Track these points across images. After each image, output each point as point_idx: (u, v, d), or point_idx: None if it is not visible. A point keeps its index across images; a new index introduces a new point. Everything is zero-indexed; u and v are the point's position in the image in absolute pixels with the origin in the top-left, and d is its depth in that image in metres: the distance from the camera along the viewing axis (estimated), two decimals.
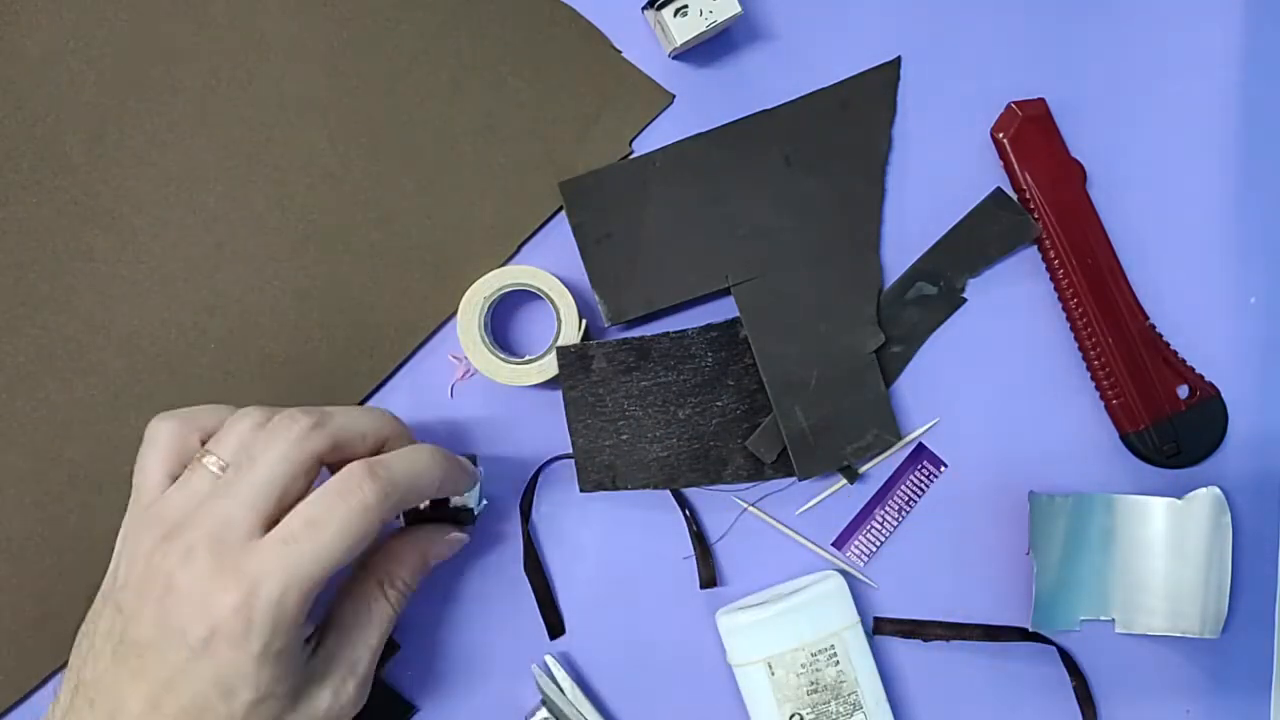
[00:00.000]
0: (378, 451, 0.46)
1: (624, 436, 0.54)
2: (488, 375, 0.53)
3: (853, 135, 0.56)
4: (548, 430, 0.55)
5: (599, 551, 0.55)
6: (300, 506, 0.41)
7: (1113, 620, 0.55)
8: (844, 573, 0.54)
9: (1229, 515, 0.54)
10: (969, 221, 0.56)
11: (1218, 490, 0.54)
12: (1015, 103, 0.56)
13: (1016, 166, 0.55)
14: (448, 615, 0.55)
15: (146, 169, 0.54)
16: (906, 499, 0.56)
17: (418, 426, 0.55)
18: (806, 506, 0.56)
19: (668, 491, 0.55)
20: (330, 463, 0.44)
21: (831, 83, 0.56)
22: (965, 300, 0.56)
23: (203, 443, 0.44)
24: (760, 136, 0.55)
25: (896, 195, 0.56)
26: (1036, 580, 0.53)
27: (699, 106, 0.56)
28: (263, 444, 0.42)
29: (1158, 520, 0.55)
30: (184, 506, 0.42)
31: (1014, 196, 0.56)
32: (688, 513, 0.55)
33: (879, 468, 0.56)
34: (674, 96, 0.56)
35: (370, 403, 0.55)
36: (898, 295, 0.56)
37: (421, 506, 0.51)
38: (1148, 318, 0.56)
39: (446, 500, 0.51)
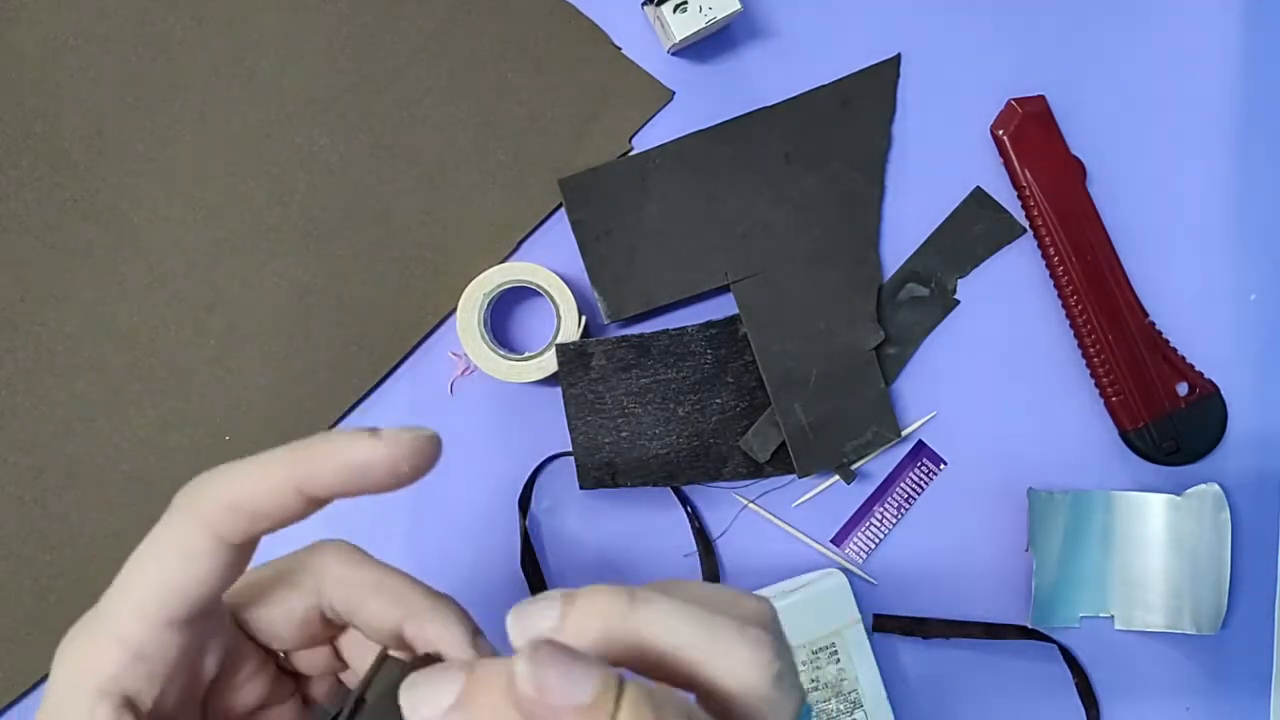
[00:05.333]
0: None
1: (623, 434, 0.54)
2: (487, 372, 0.53)
3: (852, 132, 0.56)
4: (547, 427, 0.55)
5: (599, 548, 0.55)
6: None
7: (1112, 617, 0.55)
8: (843, 569, 0.54)
9: (1228, 512, 0.54)
10: (953, 222, 0.56)
11: (1217, 487, 0.54)
12: (1015, 100, 0.56)
13: (1016, 163, 0.55)
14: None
15: (146, 166, 0.54)
16: (906, 496, 0.56)
17: (418, 423, 0.55)
18: (803, 499, 0.56)
19: (668, 489, 0.55)
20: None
21: (831, 80, 0.56)
22: (959, 302, 0.56)
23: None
24: (760, 133, 0.55)
25: (896, 192, 0.56)
26: (1036, 577, 0.54)
27: (699, 103, 0.56)
28: None
29: (1157, 517, 0.55)
30: None
31: (1011, 195, 0.56)
32: (690, 509, 0.55)
33: (878, 465, 0.56)
34: (673, 93, 0.56)
35: (370, 400, 0.55)
36: (889, 297, 0.56)
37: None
38: (1147, 315, 0.56)
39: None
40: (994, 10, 0.57)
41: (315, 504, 0.28)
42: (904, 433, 0.56)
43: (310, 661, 0.33)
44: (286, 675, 0.33)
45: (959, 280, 0.56)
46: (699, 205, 0.55)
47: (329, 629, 0.32)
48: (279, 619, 0.31)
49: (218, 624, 0.30)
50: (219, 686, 0.31)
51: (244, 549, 0.28)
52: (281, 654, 0.33)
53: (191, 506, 0.28)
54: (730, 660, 0.24)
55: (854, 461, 0.55)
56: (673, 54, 0.56)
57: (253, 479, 0.27)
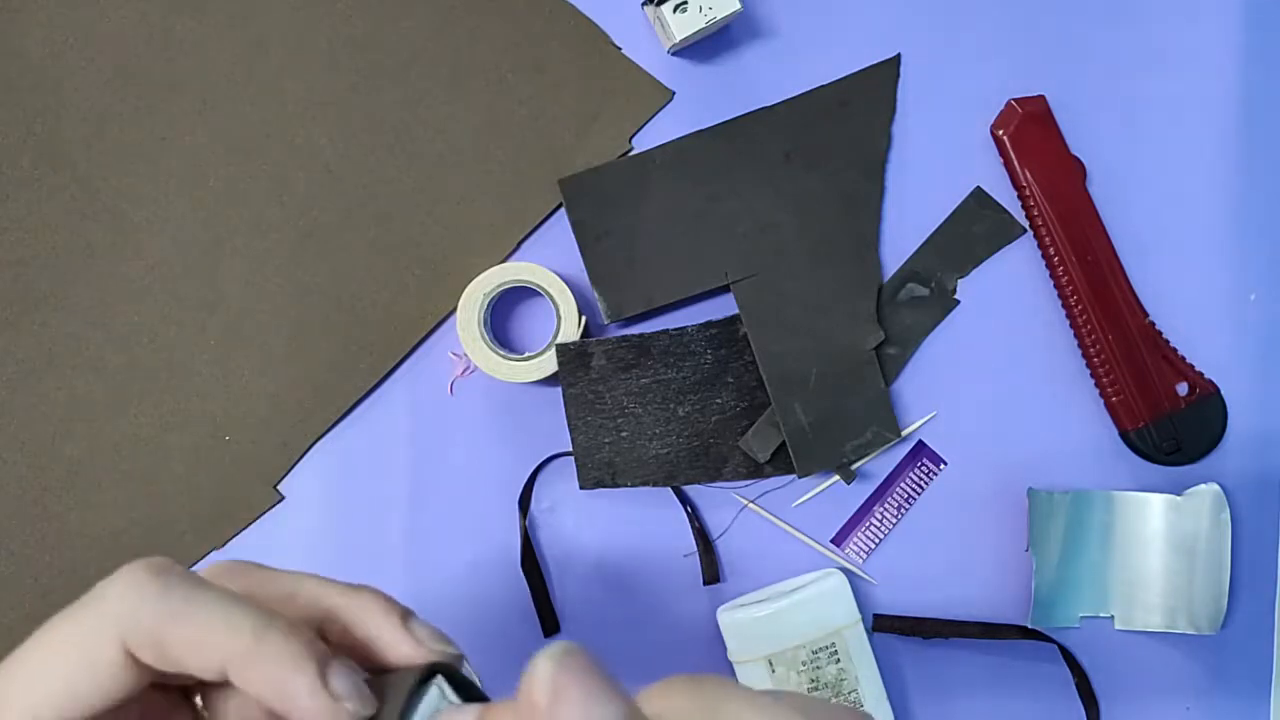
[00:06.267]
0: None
1: (623, 434, 0.54)
2: (487, 372, 0.53)
3: (852, 132, 0.56)
4: (547, 427, 0.55)
5: (599, 548, 0.55)
6: None
7: (1112, 617, 0.55)
8: (844, 569, 0.54)
9: (1228, 512, 0.54)
10: (953, 222, 0.56)
11: (1217, 487, 0.54)
12: (1015, 100, 0.56)
13: (1016, 164, 0.55)
14: (445, 612, 0.55)
15: (146, 166, 0.54)
16: (906, 496, 0.56)
17: (418, 424, 0.55)
18: (803, 499, 0.56)
19: (668, 489, 0.55)
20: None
21: (831, 80, 0.56)
22: (959, 302, 0.56)
23: None
24: (760, 133, 0.55)
25: (896, 192, 0.56)
26: (1036, 577, 0.54)
27: (699, 103, 0.56)
28: None
29: (1157, 517, 0.55)
30: None
31: (1011, 195, 0.56)
32: (690, 509, 0.55)
33: (878, 465, 0.56)
34: (673, 93, 0.56)
35: (370, 400, 0.55)
36: (889, 297, 0.56)
37: None
38: (1147, 315, 0.56)
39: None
40: (994, 10, 0.57)
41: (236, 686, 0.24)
42: (904, 433, 0.56)
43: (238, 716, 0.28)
44: None
45: (959, 280, 0.56)
46: (699, 205, 0.55)
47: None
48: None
49: (125, 714, 0.26)
50: None
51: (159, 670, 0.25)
52: (199, 701, 0.28)
53: (113, 614, 0.24)
54: None
55: (854, 461, 0.55)
56: (673, 54, 0.56)
57: (189, 628, 0.24)
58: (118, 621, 0.24)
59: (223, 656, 0.24)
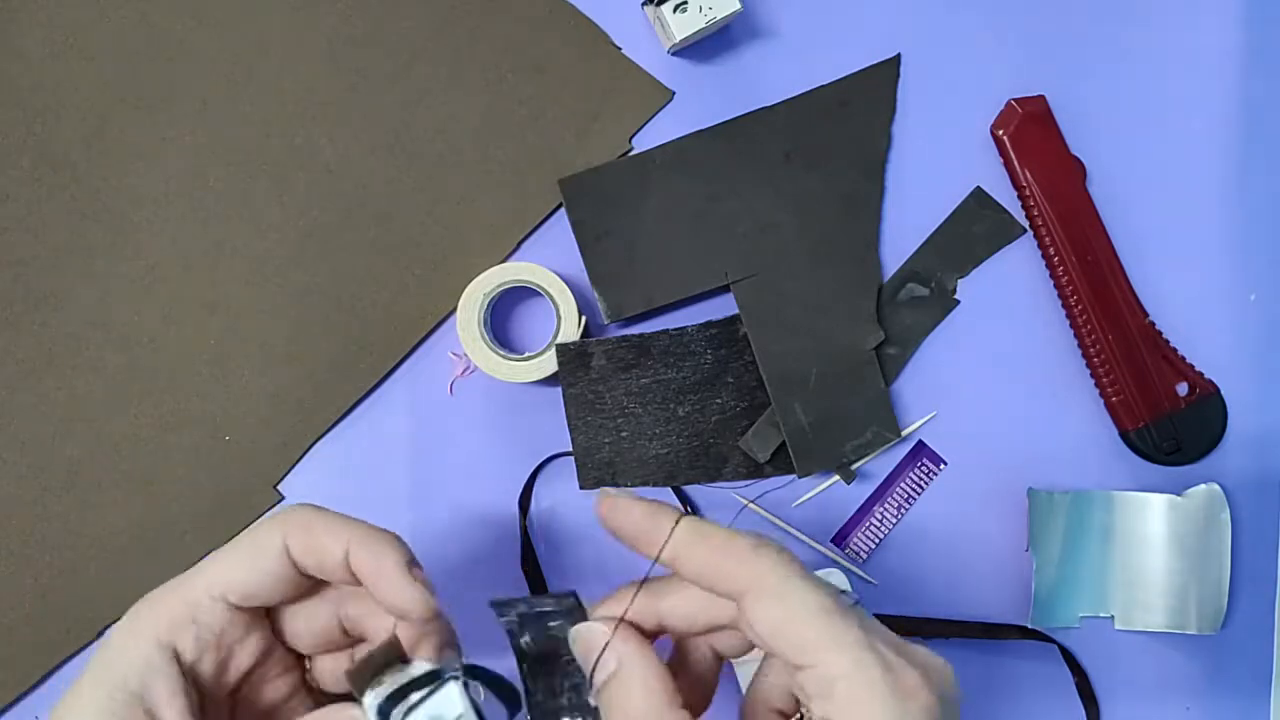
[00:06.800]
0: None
1: (623, 434, 0.54)
2: (487, 372, 0.53)
3: (852, 132, 0.56)
4: (547, 427, 0.55)
5: (599, 548, 0.55)
6: None
7: (1112, 617, 0.55)
8: (844, 569, 0.54)
9: (1228, 512, 0.54)
10: (953, 222, 0.56)
11: (1217, 487, 0.54)
12: (1015, 100, 0.56)
13: (1016, 164, 0.55)
14: (444, 612, 0.55)
15: (146, 166, 0.54)
16: (906, 496, 0.56)
17: (418, 424, 0.55)
18: (803, 499, 0.56)
19: (668, 489, 0.55)
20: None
21: (831, 80, 0.56)
22: (958, 302, 0.56)
23: None
24: (760, 133, 0.55)
25: (896, 192, 0.56)
26: (1036, 577, 0.54)
27: (699, 103, 0.56)
28: None
29: (1157, 517, 0.55)
30: None
31: (1011, 195, 0.56)
32: (690, 509, 0.55)
33: (878, 465, 0.56)
34: (674, 93, 0.56)
35: (370, 400, 0.55)
36: (889, 297, 0.56)
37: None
38: (1147, 315, 0.56)
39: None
40: (994, 10, 0.57)
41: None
42: (904, 433, 0.56)
43: (332, 677, 0.39)
44: (311, 689, 0.39)
45: (959, 280, 0.56)
46: (699, 205, 0.55)
47: (345, 639, 0.38)
48: (302, 623, 0.37)
49: (261, 626, 0.37)
50: (249, 679, 0.37)
51: (305, 578, 0.36)
52: (308, 664, 0.39)
53: (279, 523, 0.36)
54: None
55: (854, 461, 0.55)
56: (673, 54, 0.56)
57: (329, 520, 0.36)
58: (282, 524, 0.35)
59: (348, 541, 0.35)
